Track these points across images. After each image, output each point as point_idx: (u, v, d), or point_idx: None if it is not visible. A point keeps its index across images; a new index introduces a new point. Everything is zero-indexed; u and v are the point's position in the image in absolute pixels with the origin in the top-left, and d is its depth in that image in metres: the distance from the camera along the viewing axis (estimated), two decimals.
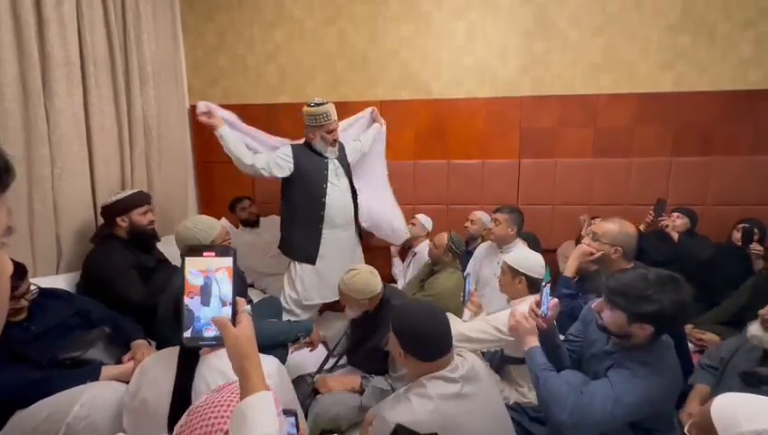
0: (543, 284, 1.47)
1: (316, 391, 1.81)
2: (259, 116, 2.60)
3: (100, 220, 2.14)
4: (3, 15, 1.73)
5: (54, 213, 2.00)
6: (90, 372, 1.50)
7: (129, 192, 2.13)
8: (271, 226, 2.97)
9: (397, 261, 3.17)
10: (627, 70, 2.91)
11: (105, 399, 1.38)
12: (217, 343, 0.79)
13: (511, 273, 1.80)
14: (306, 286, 2.50)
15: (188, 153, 3.11)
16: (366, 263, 2.17)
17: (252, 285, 3.02)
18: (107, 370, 1.54)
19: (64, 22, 1.98)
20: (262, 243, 3.06)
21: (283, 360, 1.84)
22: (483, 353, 1.79)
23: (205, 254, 0.81)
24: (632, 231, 1.75)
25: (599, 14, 2.87)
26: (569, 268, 1.84)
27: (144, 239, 2.09)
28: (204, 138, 3.09)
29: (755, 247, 2.53)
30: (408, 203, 3.22)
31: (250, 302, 2.29)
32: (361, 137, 2.78)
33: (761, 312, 1.57)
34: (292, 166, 2.38)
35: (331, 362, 2.04)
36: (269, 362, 1.41)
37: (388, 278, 3.06)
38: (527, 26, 2.94)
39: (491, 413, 1.27)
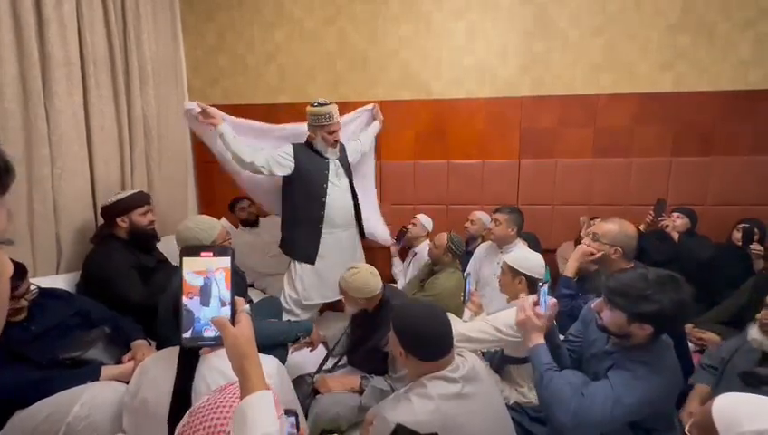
0: (540, 284, 1.47)
1: (316, 391, 1.81)
2: (259, 116, 2.61)
3: (100, 220, 2.14)
4: (3, 15, 1.73)
5: (54, 213, 2.00)
6: (90, 372, 1.50)
7: (129, 192, 2.13)
8: (270, 226, 2.97)
9: (397, 261, 3.17)
10: (627, 70, 2.91)
11: (105, 399, 1.38)
12: (217, 343, 0.79)
13: (511, 273, 1.81)
14: (306, 286, 2.50)
15: (188, 153, 3.11)
16: (366, 263, 2.17)
17: (252, 285, 3.02)
18: (107, 370, 1.54)
19: (64, 22, 1.98)
20: (261, 243, 3.06)
21: (283, 360, 1.84)
22: (483, 353, 1.79)
23: (202, 254, 0.81)
24: (632, 231, 1.75)
25: (599, 14, 2.87)
26: (569, 268, 1.83)
27: (144, 239, 2.10)
28: None
29: (755, 247, 2.53)
30: (407, 203, 3.22)
31: (250, 302, 2.29)
32: (361, 136, 2.78)
33: (758, 316, 1.57)
34: (292, 165, 2.37)
35: (331, 362, 2.04)
36: (269, 363, 1.41)
37: (389, 278, 3.05)
38: (527, 26, 2.94)
39: (491, 413, 1.27)
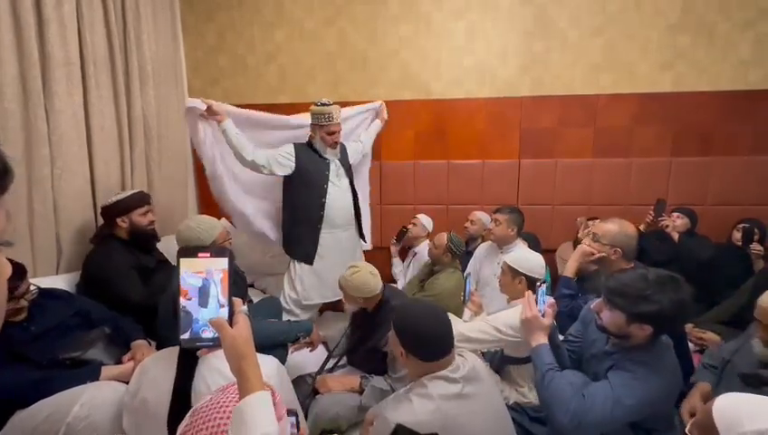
0: (538, 284, 1.47)
1: (316, 391, 1.81)
2: None
3: (100, 220, 2.14)
4: (3, 15, 1.73)
5: (54, 213, 1.99)
6: (90, 372, 1.50)
7: (129, 192, 2.13)
8: None
9: (397, 261, 3.17)
10: (627, 70, 2.91)
11: (105, 399, 1.38)
12: (215, 343, 0.79)
13: (511, 273, 1.80)
14: (306, 286, 2.49)
15: (188, 153, 3.11)
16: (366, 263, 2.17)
17: (252, 285, 3.02)
18: (107, 370, 1.54)
19: (64, 22, 1.98)
20: (261, 243, 3.05)
21: (283, 360, 1.84)
22: (483, 353, 1.79)
23: (200, 255, 0.81)
24: (632, 232, 1.75)
25: (598, 15, 2.87)
26: (569, 269, 1.84)
27: (144, 240, 2.10)
28: None
29: (755, 247, 2.53)
30: (407, 203, 3.22)
31: (250, 302, 2.29)
32: (362, 137, 2.78)
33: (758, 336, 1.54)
34: (293, 165, 2.37)
35: (332, 362, 2.04)
36: (269, 363, 1.41)
37: (389, 278, 3.06)
38: (527, 26, 2.94)
39: (492, 414, 1.27)
